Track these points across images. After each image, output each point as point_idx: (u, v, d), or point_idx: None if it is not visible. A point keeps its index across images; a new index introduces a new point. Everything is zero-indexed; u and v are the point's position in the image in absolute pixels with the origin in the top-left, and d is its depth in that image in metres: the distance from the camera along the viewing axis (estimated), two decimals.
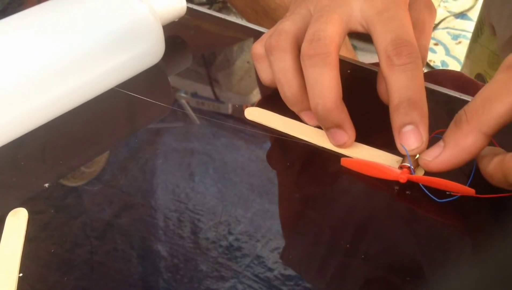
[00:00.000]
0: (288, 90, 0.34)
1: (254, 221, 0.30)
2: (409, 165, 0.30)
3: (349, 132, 0.33)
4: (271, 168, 0.34)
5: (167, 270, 0.27)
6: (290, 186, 0.33)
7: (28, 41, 0.35)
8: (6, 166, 0.34)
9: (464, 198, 0.30)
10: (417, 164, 0.31)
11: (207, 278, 0.27)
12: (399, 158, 0.32)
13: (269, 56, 0.35)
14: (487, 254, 0.28)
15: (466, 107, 0.29)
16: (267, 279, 0.27)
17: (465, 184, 0.29)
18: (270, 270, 0.27)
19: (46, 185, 0.32)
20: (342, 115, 0.33)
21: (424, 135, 0.30)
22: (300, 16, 0.35)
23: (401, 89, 0.31)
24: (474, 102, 0.29)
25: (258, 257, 0.28)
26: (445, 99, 0.38)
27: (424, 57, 0.35)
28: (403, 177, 0.30)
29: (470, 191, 0.29)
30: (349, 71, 0.42)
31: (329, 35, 0.32)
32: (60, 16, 0.37)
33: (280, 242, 0.29)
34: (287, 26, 0.34)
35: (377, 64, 0.43)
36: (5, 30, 0.35)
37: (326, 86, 0.32)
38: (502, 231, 0.29)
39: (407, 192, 0.31)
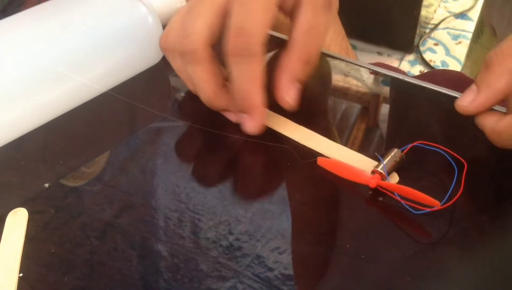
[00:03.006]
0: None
1: (254, 221, 0.30)
2: (381, 171, 0.31)
3: (236, 114, 0.36)
4: (271, 167, 0.34)
5: (168, 270, 0.27)
6: (290, 186, 0.33)
7: (27, 42, 0.35)
8: (6, 166, 0.34)
9: (465, 199, 0.30)
10: (390, 170, 0.31)
11: (208, 278, 0.27)
12: (377, 164, 0.32)
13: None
14: (487, 253, 0.28)
15: (496, 49, 0.30)
16: (267, 278, 0.27)
17: (445, 193, 0.30)
18: (270, 269, 0.27)
19: (46, 185, 0.32)
20: (223, 102, 0.35)
21: (259, 121, 0.34)
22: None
23: (235, 81, 0.33)
24: (505, 44, 0.30)
25: (258, 256, 0.28)
26: (445, 99, 0.38)
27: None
28: (372, 182, 0.30)
29: (435, 203, 0.29)
30: (349, 71, 0.42)
31: (195, 30, 0.32)
32: (59, 16, 0.37)
33: (280, 242, 0.29)
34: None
35: (377, 64, 0.43)
36: (4, 30, 0.35)
37: (201, 80, 0.34)
38: (502, 231, 0.29)
39: (381, 196, 0.31)
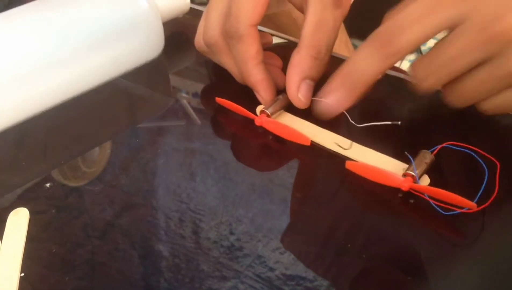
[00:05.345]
0: None
1: (255, 221, 0.30)
2: (413, 174, 0.30)
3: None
4: (272, 167, 0.34)
5: (169, 270, 0.27)
6: (295, 186, 0.33)
7: (28, 32, 0.36)
8: (7, 166, 0.34)
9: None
10: (421, 173, 0.31)
11: (209, 278, 0.27)
12: (406, 166, 0.32)
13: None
14: (487, 255, 0.28)
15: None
16: (269, 279, 0.27)
17: (476, 194, 0.29)
18: (272, 270, 0.27)
19: (48, 185, 0.32)
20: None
21: (264, 96, 0.36)
22: None
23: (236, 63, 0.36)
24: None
25: (260, 257, 0.28)
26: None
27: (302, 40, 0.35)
28: (405, 185, 0.30)
29: (471, 205, 0.28)
30: None
31: (240, 8, 0.34)
32: (59, 8, 0.38)
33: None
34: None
35: None
36: (7, 21, 0.36)
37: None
38: (503, 234, 0.29)
39: (412, 198, 0.31)
